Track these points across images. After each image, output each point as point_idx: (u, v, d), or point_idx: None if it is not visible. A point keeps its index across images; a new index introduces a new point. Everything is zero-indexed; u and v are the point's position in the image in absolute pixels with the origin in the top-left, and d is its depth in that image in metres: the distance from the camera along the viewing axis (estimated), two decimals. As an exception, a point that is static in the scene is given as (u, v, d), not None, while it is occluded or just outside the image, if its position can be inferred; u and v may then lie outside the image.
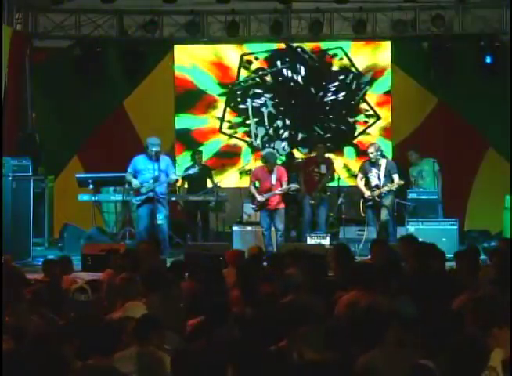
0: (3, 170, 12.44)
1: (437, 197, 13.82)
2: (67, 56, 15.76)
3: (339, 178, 14.91)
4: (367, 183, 12.82)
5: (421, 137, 15.10)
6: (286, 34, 15.72)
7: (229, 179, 15.22)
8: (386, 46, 15.76)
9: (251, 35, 15.89)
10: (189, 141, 16.00)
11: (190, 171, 13.45)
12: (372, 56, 15.80)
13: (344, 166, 15.58)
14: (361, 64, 15.82)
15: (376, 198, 12.64)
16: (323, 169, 13.74)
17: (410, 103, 15.71)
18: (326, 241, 12.95)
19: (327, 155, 14.28)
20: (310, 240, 13.05)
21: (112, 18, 15.82)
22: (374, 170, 12.73)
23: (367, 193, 12.73)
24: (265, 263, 10.47)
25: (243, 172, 14.81)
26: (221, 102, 16.01)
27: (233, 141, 16.06)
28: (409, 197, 13.69)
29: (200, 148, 15.58)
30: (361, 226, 13.61)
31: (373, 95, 15.86)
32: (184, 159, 15.67)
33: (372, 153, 12.73)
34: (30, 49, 15.75)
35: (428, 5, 15.35)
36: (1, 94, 14.19)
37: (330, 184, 14.64)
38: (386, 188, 12.65)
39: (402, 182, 12.97)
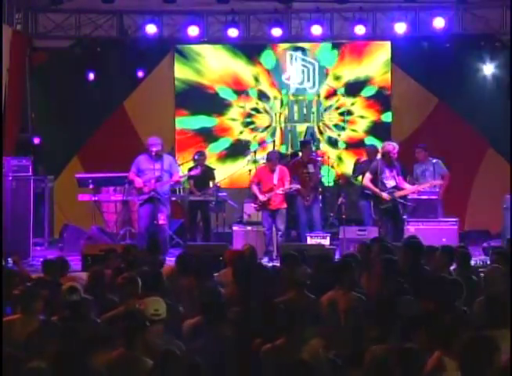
0: (3, 170, 12.44)
1: (437, 197, 13.77)
2: (67, 56, 15.75)
3: (339, 179, 14.95)
4: (377, 184, 12.42)
5: (421, 137, 15.08)
6: (286, 34, 15.71)
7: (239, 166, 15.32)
8: (386, 46, 15.78)
9: (251, 35, 15.89)
10: (211, 136, 16.11)
11: (192, 173, 13.45)
12: (371, 56, 15.84)
13: (337, 156, 15.80)
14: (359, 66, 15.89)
15: (399, 200, 12.31)
16: (311, 168, 13.68)
17: (410, 103, 15.71)
18: (326, 241, 12.93)
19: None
20: (310, 240, 13.04)
21: (112, 18, 15.82)
22: (388, 171, 12.44)
23: (385, 195, 12.34)
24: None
25: (250, 161, 14.87)
26: (236, 106, 16.10)
27: (243, 136, 16.17)
28: (409, 196, 13.65)
29: (214, 143, 15.90)
30: (361, 226, 13.60)
31: (361, 100, 16.00)
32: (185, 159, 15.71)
33: (395, 154, 12.38)
34: (30, 49, 15.76)
35: (428, 5, 15.35)
36: (2, 94, 14.20)
37: (330, 184, 14.63)
38: (408, 191, 12.42)
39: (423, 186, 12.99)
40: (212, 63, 16.15)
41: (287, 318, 5.88)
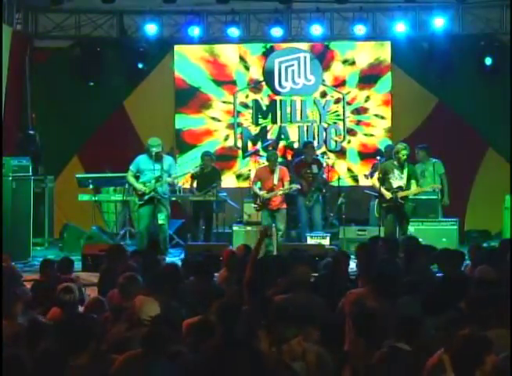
0: (3, 170, 12.44)
1: (437, 197, 13.77)
2: (67, 56, 15.76)
3: (339, 178, 14.92)
4: (384, 183, 12.24)
5: (421, 137, 15.05)
6: (286, 34, 15.71)
7: (226, 183, 14.84)
8: (386, 46, 15.76)
9: (251, 35, 15.89)
10: (180, 143, 15.84)
11: (192, 171, 13.43)
12: (373, 56, 15.79)
13: (347, 170, 15.57)
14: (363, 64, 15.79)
15: (400, 200, 12.20)
16: (315, 169, 13.67)
17: (410, 103, 15.70)
18: (326, 241, 12.94)
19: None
20: (310, 241, 13.05)
21: (112, 18, 15.82)
22: (397, 172, 12.26)
23: (388, 195, 12.17)
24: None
25: (240, 176, 14.72)
26: (216, 101, 15.92)
27: (229, 143, 15.95)
28: (409, 197, 13.63)
29: (193, 150, 15.55)
30: (361, 226, 13.59)
31: (376, 95, 15.80)
32: (184, 159, 15.68)
33: (404, 155, 12.17)
34: (30, 49, 15.76)
35: (429, 5, 15.35)
36: (2, 94, 14.19)
37: (331, 184, 14.63)
38: (410, 192, 12.39)
39: (426, 189, 12.93)
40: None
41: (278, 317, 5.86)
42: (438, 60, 15.28)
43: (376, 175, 12.50)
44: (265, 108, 15.86)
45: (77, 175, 14.51)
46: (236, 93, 15.86)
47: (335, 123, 15.79)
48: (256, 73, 15.91)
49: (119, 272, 7.74)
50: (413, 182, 12.40)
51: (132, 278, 7.19)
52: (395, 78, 15.69)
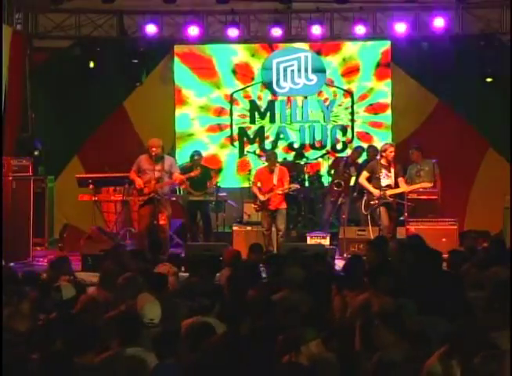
0: (3, 170, 12.45)
1: (436, 197, 13.77)
2: (67, 56, 15.76)
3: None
4: (372, 182, 12.51)
5: (421, 137, 15.07)
6: (286, 34, 15.70)
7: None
8: (386, 46, 15.74)
9: (251, 35, 15.89)
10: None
11: (192, 174, 13.39)
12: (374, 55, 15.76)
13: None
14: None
15: (388, 198, 12.37)
16: (353, 171, 13.87)
17: (410, 103, 15.69)
18: (326, 241, 12.96)
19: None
20: (310, 240, 13.06)
21: (112, 18, 15.83)
22: (385, 171, 12.46)
23: (377, 192, 12.39)
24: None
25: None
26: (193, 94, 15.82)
27: (212, 150, 15.81)
28: (408, 196, 13.64)
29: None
30: (361, 226, 13.59)
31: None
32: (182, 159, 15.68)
33: (392, 152, 12.45)
34: (30, 49, 15.77)
35: (429, 5, 15.35)
36: (2, 94, 14.20)
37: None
38: (399, 190, 12.48)
39: (415, 187, 12.99)
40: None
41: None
42: (437, 60, 15.26)
43: (365, 174, 12.64)
44: (262, 108, 15.82)
45: (77, 175, 14.51)
46: (233, 94, 15.81)
47: (345, 126, 15.70)
48: (244, 57, 15.82)
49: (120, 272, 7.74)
50: (400, 179, 12.53)
51: (131, 279, 7.19)
52: (395, 78, 15.69)
